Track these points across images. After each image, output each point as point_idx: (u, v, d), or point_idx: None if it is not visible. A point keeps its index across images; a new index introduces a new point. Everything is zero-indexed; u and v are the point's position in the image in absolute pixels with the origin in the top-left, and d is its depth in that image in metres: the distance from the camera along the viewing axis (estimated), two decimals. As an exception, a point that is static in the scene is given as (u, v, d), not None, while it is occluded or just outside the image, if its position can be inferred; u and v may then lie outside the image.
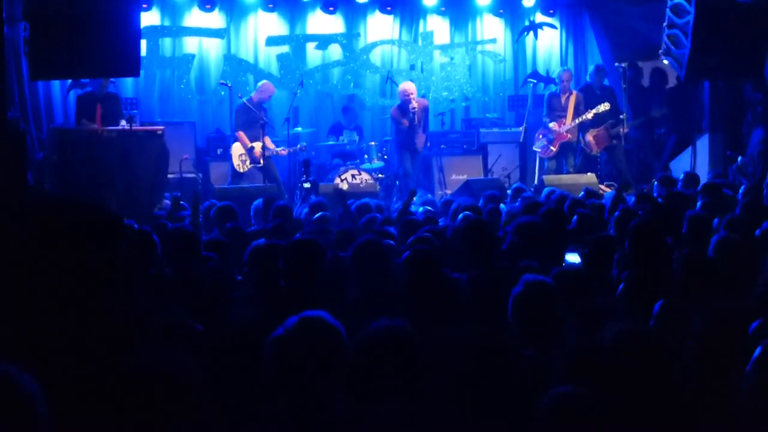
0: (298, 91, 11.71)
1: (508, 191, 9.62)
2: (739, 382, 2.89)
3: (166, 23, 12.18)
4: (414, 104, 11.00)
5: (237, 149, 10.73)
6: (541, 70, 13.60)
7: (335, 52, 12.98)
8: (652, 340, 2.98)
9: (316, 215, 6.90)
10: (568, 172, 11.27)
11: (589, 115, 11.27)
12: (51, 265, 2.04)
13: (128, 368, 2.18)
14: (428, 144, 11.70)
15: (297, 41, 12.76)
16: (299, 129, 11.54)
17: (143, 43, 10.53)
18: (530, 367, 3.18)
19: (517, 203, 8.07)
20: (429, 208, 7.80)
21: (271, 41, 12.66)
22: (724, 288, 4.27)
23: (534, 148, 11.75)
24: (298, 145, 11.04)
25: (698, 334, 3.20)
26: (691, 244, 5.42)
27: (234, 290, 4.64)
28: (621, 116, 11.41)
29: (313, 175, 10.07)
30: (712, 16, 9.08)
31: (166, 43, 12.23)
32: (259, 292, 4.52)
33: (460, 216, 6.39)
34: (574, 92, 11.62)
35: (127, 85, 11.52)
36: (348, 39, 12.96)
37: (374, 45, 13.14)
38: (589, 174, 10.97)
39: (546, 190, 8.54)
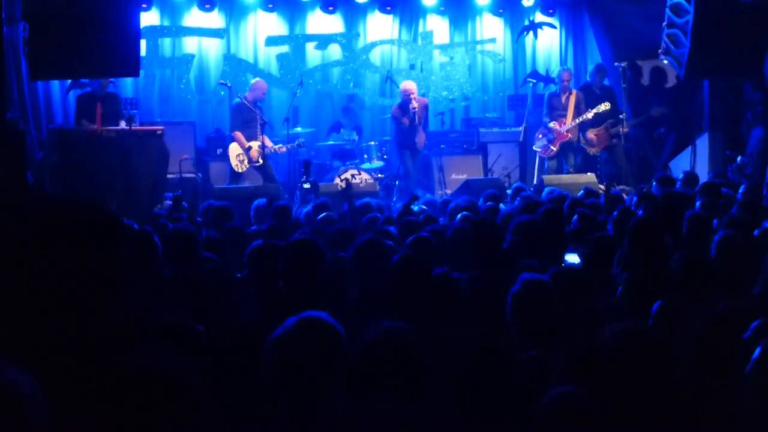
0: (298, 90, 11.71)
1: (508, 191, 9.63)
2: (739, 383, 2.89)
3: (166, 23, 12.18)
4: (414, 104, 11.02)
5: (234, 149, 10.72)
6: (541, 70, 13.60)
7: (335, 51, 12.98)
8: (652, 340, 2.98)
9: (320, 215, 6.89)
10: (568, 172, 11.27)
11: (590, 115, 11.27)
12: (51, 265, 2.04)
13: (128, 368, 2.18)
14: (425, 143, 11.70)
15: (297, 41, 12.76)
16: (299, 129, 11.54)
17: (143, 43, 10.52)
18: (530, 367, 3.18)
19: (516, 202, 8.07)
20: (424, 207, 7.79)
21: (271, 41, 12.66)
22: (724, 288, 4.27)
23: (534, 148, 11.76)
24: (296, 142, 11.05)
25: (696, 334, 3.20)
26: (690, 243, 5.42)
27: (234, 290, 4.64)
28: (621, 116, 11.41)
29: (313, 175, 10.07)
30: (712, 16, 9.08)
31: (166, 43, 12.23)
32: (258, 293, 4.52)
33: (459, 216, 6.39)
34: (574, 91, 11.62)
35: (127, 85, 11.51)
36: (347, 39, 12.96)
37: (374, 45, 13.14)
38: (588, 174, 10.97)
39: (546, 190, 8.54)
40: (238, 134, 10.67)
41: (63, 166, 9.14)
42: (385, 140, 12.01)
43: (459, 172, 12.10)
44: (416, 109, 11.04)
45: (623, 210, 6.10)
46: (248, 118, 10.72)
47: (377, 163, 11.53)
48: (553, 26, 13.62)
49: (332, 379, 2.65)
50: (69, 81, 10.63)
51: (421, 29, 13.34)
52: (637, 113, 12.24)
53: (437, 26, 13.39)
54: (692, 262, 4.34)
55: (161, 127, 9.96)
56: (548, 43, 13.75)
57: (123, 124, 9.45)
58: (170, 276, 4.28)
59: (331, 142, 11.81)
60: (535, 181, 11.25)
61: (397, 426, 2.72)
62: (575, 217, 5.99)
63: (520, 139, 12.20)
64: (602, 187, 10.46)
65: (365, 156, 11.58)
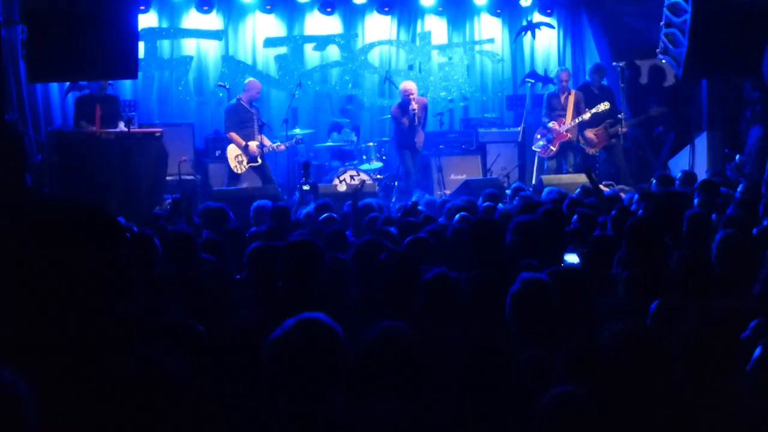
0: (297, 92, 11.71)
1: (507, 191, 9.63)
2: (737, 382, 2.89)
3: (164, 25, 12.18)
4: (414, 104, 11.04)
5: (232, 151, 10.71)
6: (539, 70, 13.61)
7: (333, 52, 12.98)
8: (651, 339, 2.98)
9: (322, 216, 6.89)
10: (567, 172, 11.28)
11: (586, 116, 11.29)
12: (50, 266, 2.04)
13: (124, 368, 2.18)
14: (424, 143, 11.71)
15: (295, 42, 12.76)
16: (297, 130, 11.54)
17: (141, 44, 10.53)
18: (530, 367, 3.18)
19: (514, 202, 8.08)
20: (420, 207, 7.80)
21: (269, 42, 12.66)
22: (724, 287, 4.27)
23: (533, 148, 11.76)
24: (294, 139, 11.05)
25: (690, 332, 3.20)
26: (690, 243, 5.42)
27: (233, 291, 4.64)
28: (619, 115, 11.42)
29: (312, 176, 10.07)
30: (710, 15, 9.08)
31: (164, 44, 12.23)
32: (258, 293, 4.52)
33: (457, 216, 6.39)
34: (573, 91, 11.62)
35: (126, 87, 11.50)
36: (346, 40, 12.96)
37: (372, 45, 13.14)
38: (588, 174, 10.95)
39: (546, 190, 8.54)
40: (233, 135, 10.65)
41: (62, 167, 9.15)
42: (384, 141, 12.00)
43: (458, 173, 12.10)
44: (416, 110, 11.06)
45: (621, 209, 6.10)
46: (244, 118, 10.71)
47: (376, 164, 11.53)
48: (551, 26, 13.63)
49: (331, 379, 2.66)
50: (67, 83, 10.64)
51: (419, 30, 13.34)
52: (636, 113, 12.24)
53: (435, 27, 13.39)
54: (691, 261, 4.34)
55: (160, 129, 9.97)
56: (546, 43, 13.76)
57: (122, 126, 9.45)
58: (170, 277, 4.28)
59: (330, 143, 11.81)
60: (534, 181, 11.26)
61: (397, 426, 2.72)
62: (575, 216, 5.99)
63: (519, 139, 12.21)
64: (601, 186, 10.47)
65: (364, 157, 11.58)
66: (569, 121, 11.39)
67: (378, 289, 4.32)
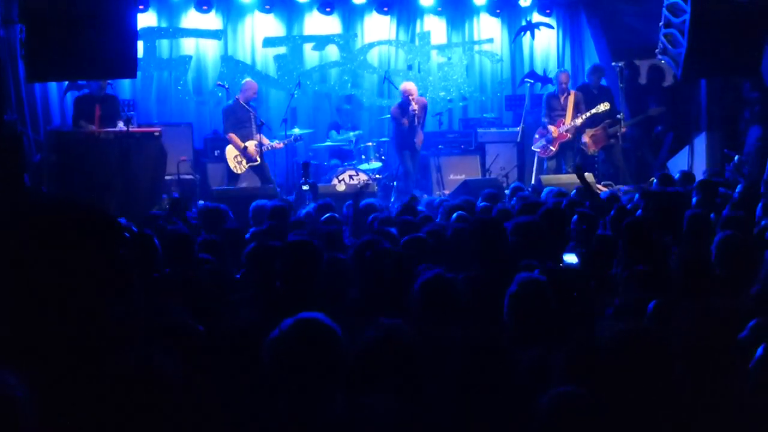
0: (296, 92, 11.70)
1: (506, 191, 9.64)
2: (736, 382, 2.89)
3: (163, 24, 12.17)
4: (414, 105, 11.05)
5: (231, 151, 10.70)
6: (539, 70, 13.61)
7: (332, 52, 12.97)
8: (651, 339, 2.98)
9: (324, 216, 6.89)
10: (567, 172, 11.28)
11: (578, 121, 11.32)
12: (50, 265, 2.04)
13: (123, 369, 2.18)
14: (423, 143, 11.72)
15: (294, 42, 12.75)
16: (297, 130, 11.53)
17: (140, 44, 10.50)
18: (530, 367, 3.17)
19: (512, 202, 8.09)
20: (420, 208, 7.80)
21: (268, 42, 12.65)
22: (724, 287, 4.27)
23: (533, 148, 11.77)
24: (292, 136, 11.05)
25: (688, 333, 3.20)
26: (690, 242, 5.42)
27: (233, 291, 4.64)
28: (618, 116, 11.43)
29: (312, 177, 10.07)
30: (709, 15, 9.08)
31: (163, 44, 12.22)
32: (257, 294, 4.51)
33: (455, 215, 6.40)
34: (573, 92, 11.63)
35: (125, 86, 11.50)
36: (345, 39, 12.96)
37: (371, 45, 13.14)
38: (586, 174, 10.95)
39: (546, 190, 8.55)
40: (232, 136, 10.65)
41: (61, 167, 9.14)
42: (382, 141, 12.00)
43: (457, 173, 12.09)
44: (416, 111, 11.07)
45: (620, 209, 6.11)
46: (242, 117, 10.71)
47: (375, 164, 11.53)
48: (550, 26, 13.63)
49: (330, 379, 2.65)
50: (66, 82, 10.63)
51: (418, 30, 13.34)
52: (635, 113, 12.25)
53: (435, 27, 13.39)
54: (691, 261, 4.34)
55: (159, 129, 9.96)
56: (546, 43, 13.76)
57: (121, 126, 9.44)
58: (170, 277, 4.28)
59: (329, 143, 11.81)
60: (533, 181, 11.26)
61: (397, 426, 2.72)
62: (575, 217, 5.99)
63: (518, 140, 12.22)
64: (600, 186, 10.48)
65: (363, 157, 11.58)
66: (569, 122, 11.39)
67: (377, 289, 4.32)
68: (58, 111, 11.05)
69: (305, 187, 9.55)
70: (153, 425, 2.25)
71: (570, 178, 10.52)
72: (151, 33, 11.99)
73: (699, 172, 10.04)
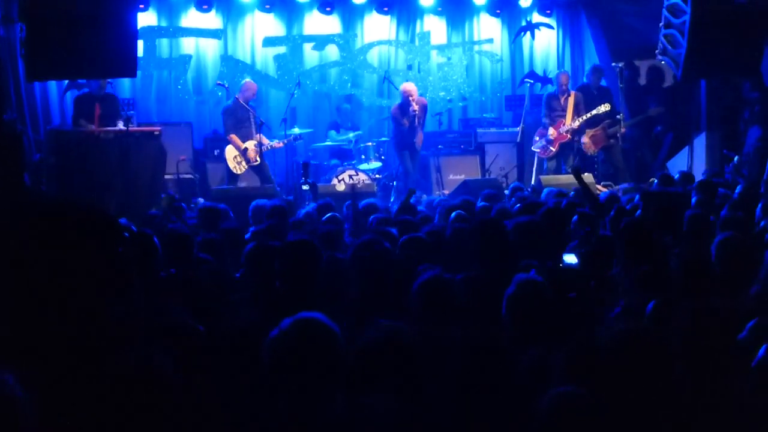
0: (296, 91, 11.70)
1: (506, 191, 9.64)
2: (735, 383, 2.89)
3: (163, 24, 12.17)
4: (415, 106, 11.06)
5: (231, 152, 10.70)
6: (538, 70, 13.62)
7: (332, 52, 12.98)
8: (650, 340, 2.98)
9: (325, 216, 6.88)
10: (567, 173, 11.28)
11: (577, 123, 11.32)
12: (49, 266, 2.04)
13: (123, 369, 2.18)
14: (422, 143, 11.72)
15: (294, 42, 12.75)
16: (296, 130, 11.54)
17: (140, 43, 10.51)
18: (530, 366, 3.17)
19: (512, 201, 8.09)
20: (421, 208, 7.79)
21: (268, 42, 12.65)
22: (723, 288, 4.27)
23: (533, 148, 11.77)
24: (291, 136, 11.05)
25: (687, 333, 3.20)
26: (690, 243, 5.42)
27: (232, 291, 4.63)
28: (618, 116, 11.43)
29: (311, 176, 10.07)
30: (709, 16, 9.09)
31: (163, 43, 12.22)
32: (257, 294, 4.51)
33: (453, 214, 6.40)
34: (573, 92, 11.63)
35: (124, 85, 11.50)
36: (345, 39, 12.96)
37: (371, 45, 13.14)
38: (586, 174, 10.96)
39: (545, 191, 8.55)
40: (233, 137, 10.66)
41: (60, 167, 9.13)
42: (382, 141, 12.00)
43: (457, 173, 12.10)
44: (416, 111, 11.08)
45: (619, 210, 6.11)
46: (242, 117, 10.71)
47: (375, 164, 11.53)
48: (550, 27, 13.64)
49: (330, 379, 2.65)
50: (66, 82, 10.63)
51: (418, 30, 13.34)
52: (635, 113, 12.25)
53: (434, 27, 13.39)
54: (691, 261, 4.34)
55: (159, 128, 9.96)
56: (545, 43, 13.76)
57: (121, 125, 9.44)
58: (170, 276, 4.27)
59: (329, 143, 11.80)
60: (533, 182, 11.26)
61: (397, 426, 2.72)
62: (575, 217, 5.99)
63: (518, 140, 12.22)
64: (600, 187, 10.49)
65: (363, 156, 11.58)
66: (569, 122, 11.39)
67: (376, 289, 4.31)
68: (57, 110, 11.05)
69: (305, 187, 9.55)
70: (153, 425, 2.25)
71: (570, 179, 10.50)
72: (151, 32, 11.99)
73: (699, 173, 10.04)
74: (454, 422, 2.82)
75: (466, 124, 13.18)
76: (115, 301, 2.13)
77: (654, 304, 3.71)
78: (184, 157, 10.81)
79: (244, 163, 10.67)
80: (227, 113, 10.74)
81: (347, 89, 12.93)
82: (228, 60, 12.40)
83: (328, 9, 12.60)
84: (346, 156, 11.56)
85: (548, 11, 13.54)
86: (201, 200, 10.14)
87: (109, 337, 2.12)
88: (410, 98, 11.11)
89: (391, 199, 10.97)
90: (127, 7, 7.72)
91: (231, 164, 10.66)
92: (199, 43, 12.39)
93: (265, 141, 10.79)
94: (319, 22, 12.79)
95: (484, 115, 13.33)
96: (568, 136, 11.42)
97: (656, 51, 9.86)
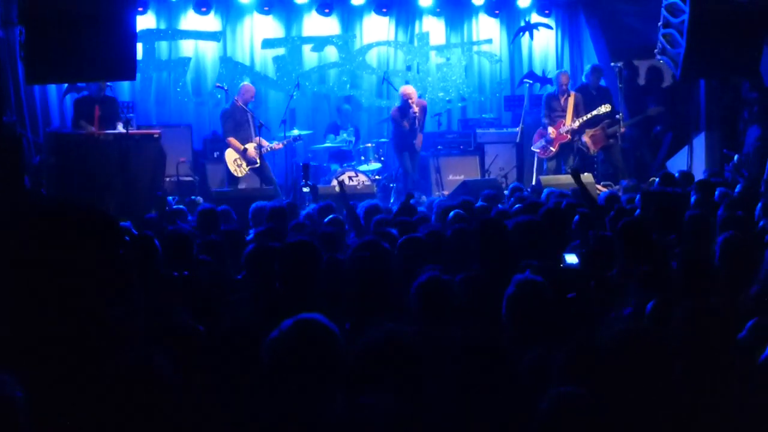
0: (295, 93, 11.70)
1: (505, 191, 9.63)
2: (735, 383, 2.89)
3: (162, 26, 12.18)
4: (415, 108, 11.07)
5: (230, 155, 10.69)
6: (537, 71, 13.61)
7: (331, 53, 12.97)
8: (651, 340, 2.98)
9: (327, 218, 6.88)
10: (566, 173, 11.27)
11: (577, 124, 11.33)
12: (49, 267, 2.04)
13: (122, 369, 2.18)
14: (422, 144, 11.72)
15: (293, 43, 12.75)
16: (296, 131, 11.53)
17: (139, 46, 10.50)
18: (530, 367, 3.17)
19: (511, 201, 8.09)
20: (421, 209, 7.79)
21: (267, 43, 12.65)
22: (725, 288, 4.27)
23: (533, 149, 11.76)
24: (291, 136, 11.05)
25: (686, 332, 3.20)
26: (690, 242, 5.42)
27: (233, 292, 4.64)
28: (617, 116, 11.43)
29: (311, 178, 10.07)
30: (707, 15, 9.09)
31: (163, 46, 12.22)
32: (257, 294, 4.51)
33: (451, 214, 6.40)
34: (573, 93, 11.62)
35: (124, 88, 11.49)
36: (344, 41, 12.96)
37: (370, 46, 13.14)
38: (585, 174, 10.96)
39: (545, 191, 8.54)
40: (232, 140, 10.65)
41: (60, 169, 9.14)
42: (382, 142, 12.00)
43: (456, 173, 12.09)
44: (417, 114, 11.09)
45: (619, 210, 6.11)
46: (241, 119, 10.70)
47: (374, 165, 11.53)
48: (549, 27, 13.63)
49: (330, 379, 2.65)
50: (66, 85, 10.63)
51: (417, 30, 13.34)
52: (634, 113, 12.25)
53: (433, 27, 13.39)
54: (691, 261, 4.34)
55: (158, 131, 9.96)
56: (544, 43, 13.76)
57: (120, 128, 9.45)
58: (170, 277, 4.28)
59: (328, 144, 11.80)
60: (533, 182, 11.25)
61: (397, 426, 2.72)
62: (576, 217, 5.99)
63: (517, 140, 12.21)
64: (599, 187, 10.49)
65: (362, 158, 11.58)
66: (569, 123, 11.40)
67: (376, 290, 4.31)
68: (57, 113, 11.05)
69: (305, 189, 9.55)
70: (152, 425, 2.25)
71: (569, 179, 10.51)
72: (151, 35, 11.99)
73: (698, 172, 10.04)
74: (454, 422, 2.82)
75: (465, 124, 13.17)
76: (115, 302, 2.14)
77: (654, 304, 3.72)
78: (184, 159, 10.81)
79: (244, 165, 10.66)
80: (226, 116, 10.74)
81: (346, 90, 12.93)
82: (227, 62, 12.40)
83: (326, 10, 12.60)
84: (345, 157, 11.56)
85: (547, 11, 13.54)
86: (199, 199, 10.15)
87: (109, 337, 2.12)
88: (410, 101, 11.12)
89: (391, 201, 10.97)
90: (126, 9, 7.72)
91: (231, 167, 10.66)
92: (198, 45, 12.38)
93: (265, 143, 10.80)
94: (317, 24, 12.79)
95: (484, 115, 13.32)
96: (568, 136, 11.42)
97: (655, 51, 9.87)
